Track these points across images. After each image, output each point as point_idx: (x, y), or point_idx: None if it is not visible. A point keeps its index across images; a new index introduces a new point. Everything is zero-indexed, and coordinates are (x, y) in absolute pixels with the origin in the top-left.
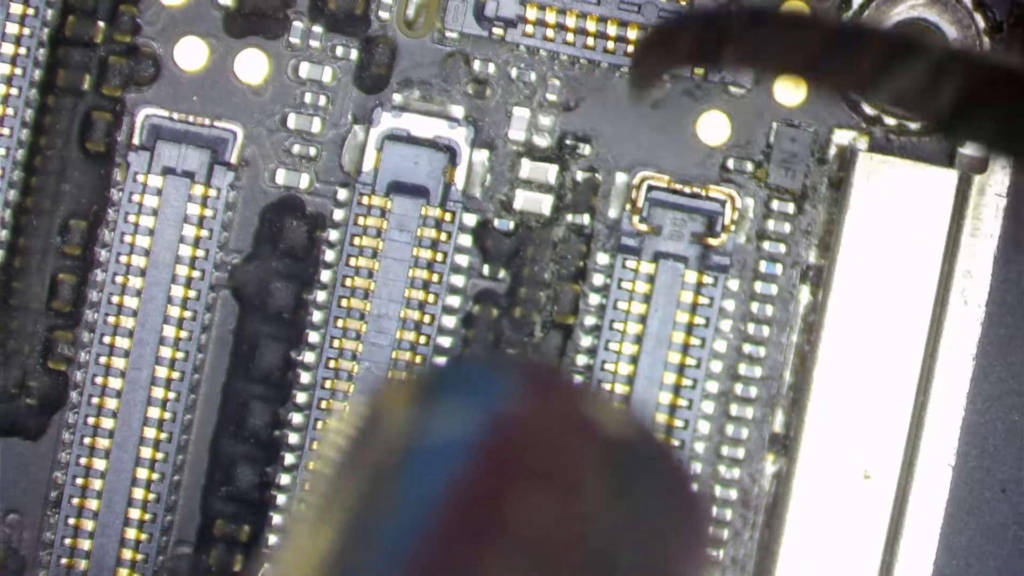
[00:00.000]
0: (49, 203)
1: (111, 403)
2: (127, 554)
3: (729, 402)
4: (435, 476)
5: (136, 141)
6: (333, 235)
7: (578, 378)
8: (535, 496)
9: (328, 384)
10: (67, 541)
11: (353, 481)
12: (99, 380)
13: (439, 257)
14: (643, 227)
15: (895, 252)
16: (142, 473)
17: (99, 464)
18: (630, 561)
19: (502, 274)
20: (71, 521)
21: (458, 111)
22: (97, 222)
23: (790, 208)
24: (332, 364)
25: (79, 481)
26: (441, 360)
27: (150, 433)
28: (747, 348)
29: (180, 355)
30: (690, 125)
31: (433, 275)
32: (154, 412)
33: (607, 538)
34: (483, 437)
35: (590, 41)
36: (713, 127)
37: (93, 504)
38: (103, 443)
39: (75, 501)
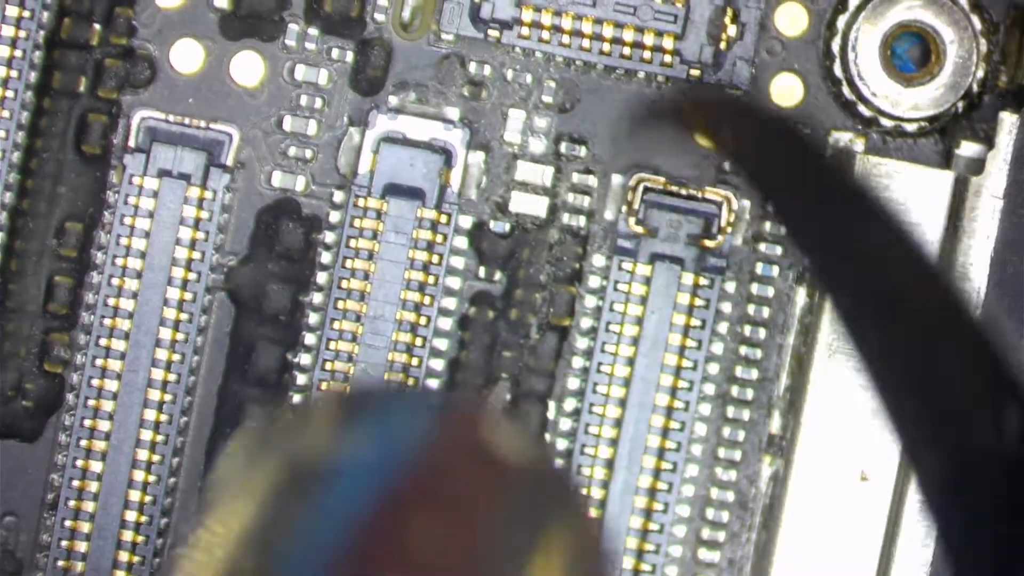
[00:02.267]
0: (45, 205)
1: (107, 405)
2: (123, 556)
3: (726, 404)
4: (339, 504)
5: (132, 143)
6: (329, 237)
7: (482, 405)
8: (431, 523)
9: (324, 386)
10: (64, 543)
11: (252, 505)
12: (95, 382)
13: (435, 259)
14: (639, 229)
15: None
16: (138, 475)
17: (95, 466)
18: None
19: (498, 276)
20: (68, 523)
21: (454, 113)
22: (93, 224)
23: None
24: (328, 366)
25: (75, 483)
26: (366, 382)
27: (146, 435)
28: (743, 350)
29: (176, 357)
30: None
31: (429, 277)
32: (150, 414)
33: (504, 563)
34: (386, 467)
35: (586, 43)
36: None
37: (90, 506)
38: (99, 445)
39: (71, 503)
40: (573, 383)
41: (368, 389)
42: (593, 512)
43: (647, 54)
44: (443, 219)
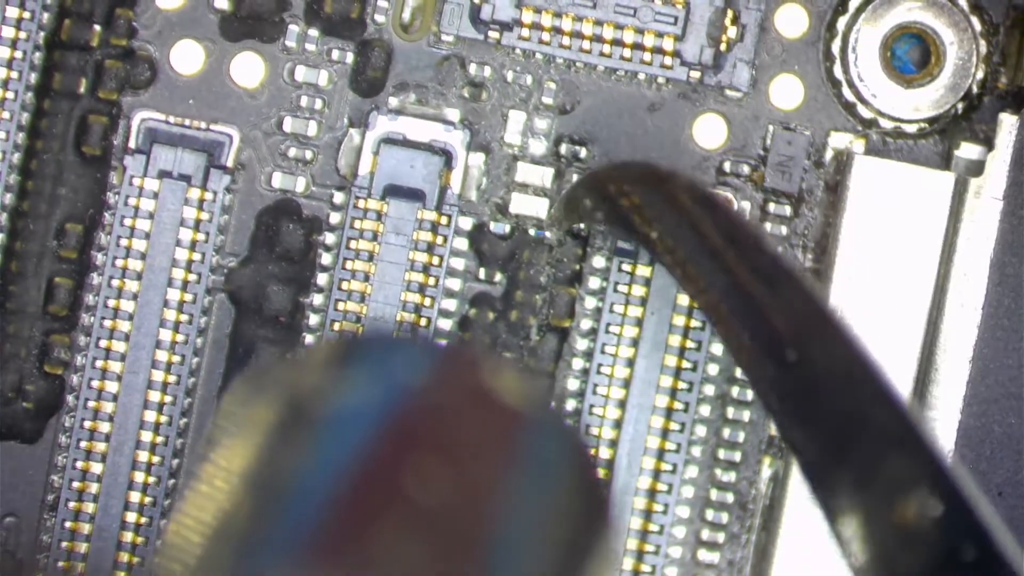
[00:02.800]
0: (45, 207)
1: (107, 406)
2: (124, 557)
3: (725, 405)
4: (337, 447)
5: (132, 144)
6: (329, 238)
7: (485, 351)
8: (434, 466)
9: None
10: (64, 544)
11: (250, 452)
12: (95, 384)
13: (435, 260)
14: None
15: (892, 255)
16: (139, 476)
17: (96, 467)
18: (528, 531)
19: (498, 277)
20: (68, 524)
21: (454, 114)
22: (93, 226)
23: (786, 211)
24: None
25: (76, 484)
26: (369, 330)
27: (146, 436)
28: None
29: (176, 359)
30: (686, 128)
31: (429, 278)
32: (150, 416)
33: (506, 508)
34: (386, 409)
35: (586, 44)
36: (709, 130)
37: (90, 507)
38: (99, 446)
39: (72, 504)
40: (573, 384)
41: (369, 335)
42: (597, 464)
43: (647, 56)
44: (443, 220)
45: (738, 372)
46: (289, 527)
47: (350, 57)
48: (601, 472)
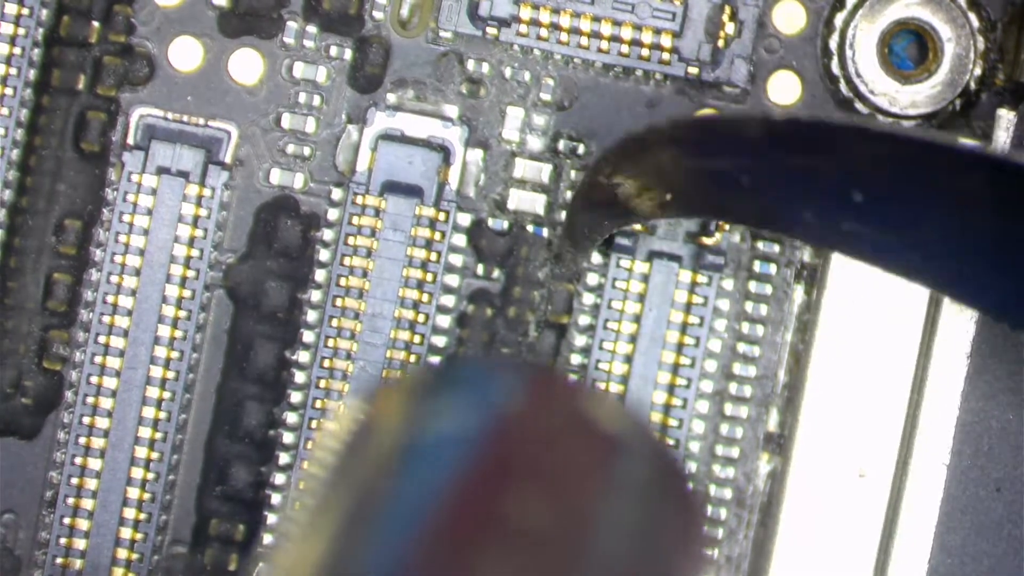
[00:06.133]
0: (44, 203)
1: (106, 402)
2: (122, 553)
3: (724, 401)
4: (433, 473)
5: (131, 141)
6: (327, 234)
7: (574, 377)
8: (534, 493)
9: (323, 383)
10: (62, 540)
11: (347, 485)
12: (94, 379)
13: (433, 256)
14: (637, 226)
15: None
16: (137, 472)
17: (94, 463)
18: (628, 557)
19: (496, 273)
20: (66, 520)
21: (452, 111)
22: (92, 222)
23: None
24: (327, 363)
25: (74, 480)
26: (436, 359)
27: (145, 432)
28: (741, 347)
29: (175, 354)
30: None
31: (427, 274)
32: (149, 411)
33: (605, 534)
34: (482, 434)
35: (584, 41)
36: None
37: (88, 503)
38: (98, 442)
39: (70, 500)
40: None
41: (462, 360)
42: (692, 484)
43: (645, 52)
44: (441, 217)
45: (736, 368)
46: (388, 555)
47: (348, 53)
48: (699, 500)
